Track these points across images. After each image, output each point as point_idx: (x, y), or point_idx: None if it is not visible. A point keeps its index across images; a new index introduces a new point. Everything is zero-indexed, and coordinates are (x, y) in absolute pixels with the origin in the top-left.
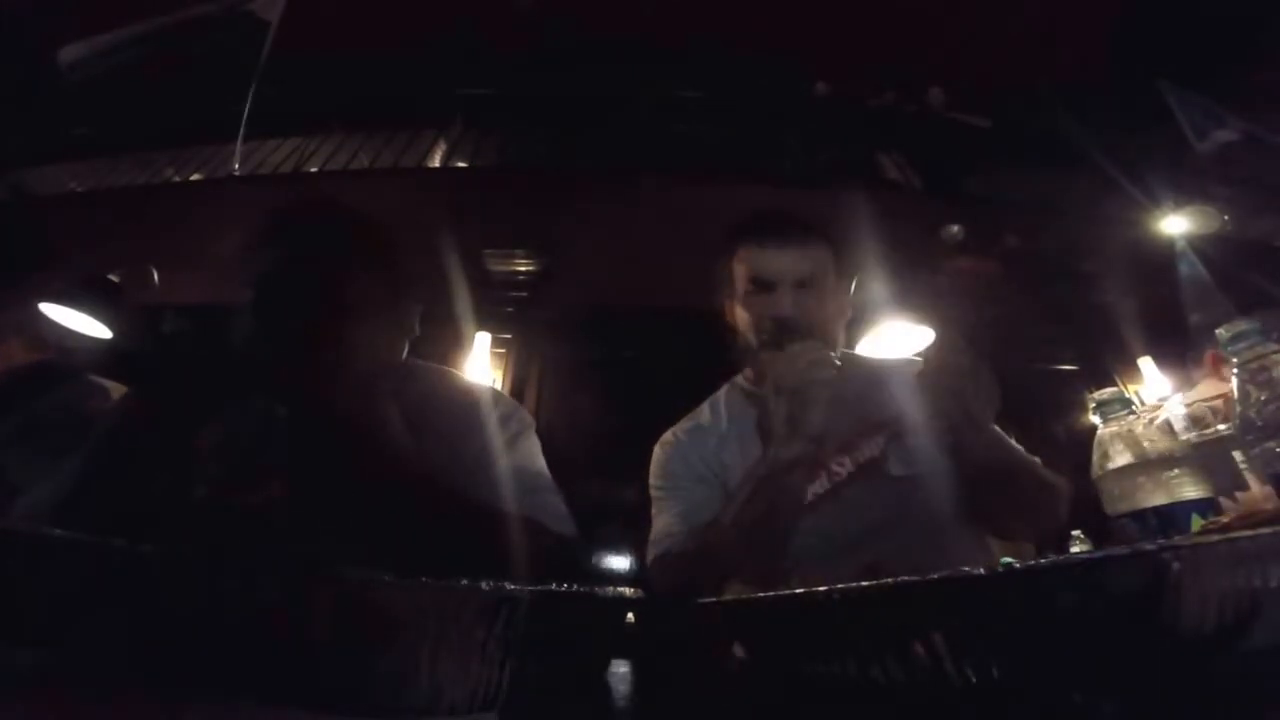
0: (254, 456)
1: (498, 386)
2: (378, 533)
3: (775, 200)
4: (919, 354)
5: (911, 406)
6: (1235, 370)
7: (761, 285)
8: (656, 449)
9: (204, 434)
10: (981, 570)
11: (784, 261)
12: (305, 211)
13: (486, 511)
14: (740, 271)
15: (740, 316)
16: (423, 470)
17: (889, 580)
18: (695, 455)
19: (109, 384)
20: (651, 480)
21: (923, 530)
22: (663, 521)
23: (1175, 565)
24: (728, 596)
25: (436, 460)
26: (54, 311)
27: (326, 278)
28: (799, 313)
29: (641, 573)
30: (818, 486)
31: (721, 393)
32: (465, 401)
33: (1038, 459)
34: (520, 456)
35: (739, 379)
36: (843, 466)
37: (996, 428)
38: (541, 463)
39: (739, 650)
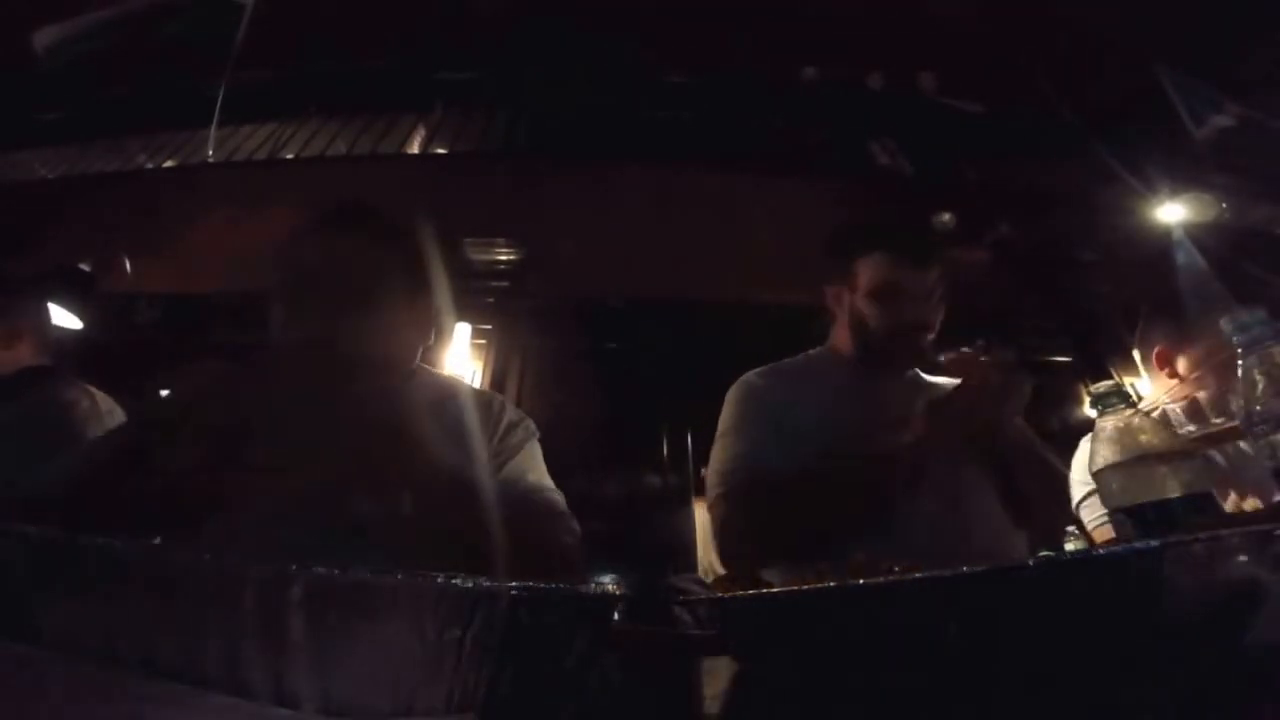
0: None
1: (478, 378)
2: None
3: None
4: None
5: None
6: (1240, 361)
7: (890, 289)
8: (732, 389)
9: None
10: (980, 568)
11: (917, 279)
12: (335, 214)
13: (496, 514)
14: (869, 272)
15: (860, 308)
16: (436, 469)
17: (902, 576)
18: (769, 399)
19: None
20: (721, 420)
21: (972, 519)
22: (722, 460)
23: (1171, 561)
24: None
25: (445, 465)
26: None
27: (351, 277)
28: (918, 322)
29: (628, 566)
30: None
31: (816, 350)
32: (473, 408)
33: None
34: (525, 463)
35: (833, 344)
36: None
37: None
38: (544, 470)
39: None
